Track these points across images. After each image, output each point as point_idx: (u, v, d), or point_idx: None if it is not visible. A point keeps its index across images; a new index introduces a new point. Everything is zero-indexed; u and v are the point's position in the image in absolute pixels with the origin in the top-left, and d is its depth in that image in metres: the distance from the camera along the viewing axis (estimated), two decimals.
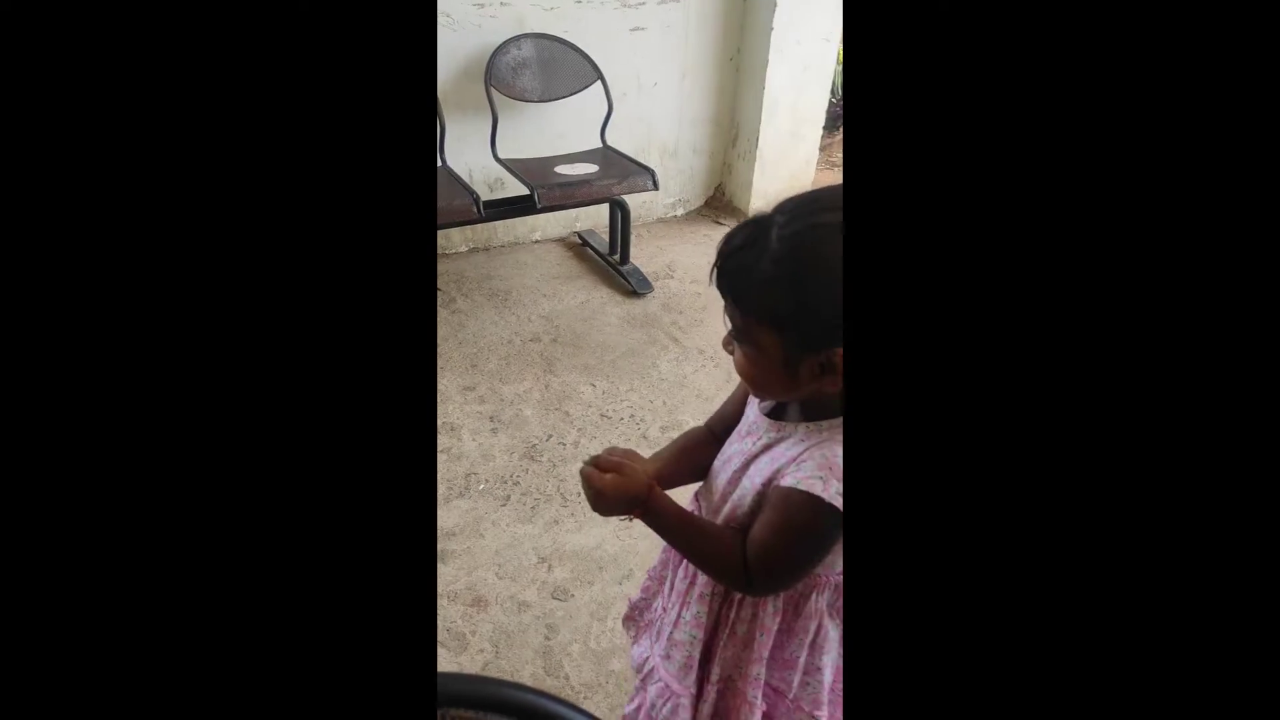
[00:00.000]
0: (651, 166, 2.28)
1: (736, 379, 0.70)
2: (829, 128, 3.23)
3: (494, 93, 2.29)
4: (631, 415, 1.86)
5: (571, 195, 2.21)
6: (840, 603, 0.71)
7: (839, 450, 0.61)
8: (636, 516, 0.69)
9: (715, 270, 0.62)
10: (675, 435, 0.85)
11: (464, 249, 2.64)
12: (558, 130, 2.52)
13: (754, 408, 0.72)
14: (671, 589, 0.79)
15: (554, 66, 2.40)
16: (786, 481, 0.62)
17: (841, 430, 0.62)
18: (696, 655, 0.73)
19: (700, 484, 0.79)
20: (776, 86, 2.70)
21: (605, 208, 2.58)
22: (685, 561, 0.75)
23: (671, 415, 1.86)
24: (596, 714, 0.50)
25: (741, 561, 0.65)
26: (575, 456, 1.70)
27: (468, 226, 2.52)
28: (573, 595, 1.38)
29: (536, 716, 0.49)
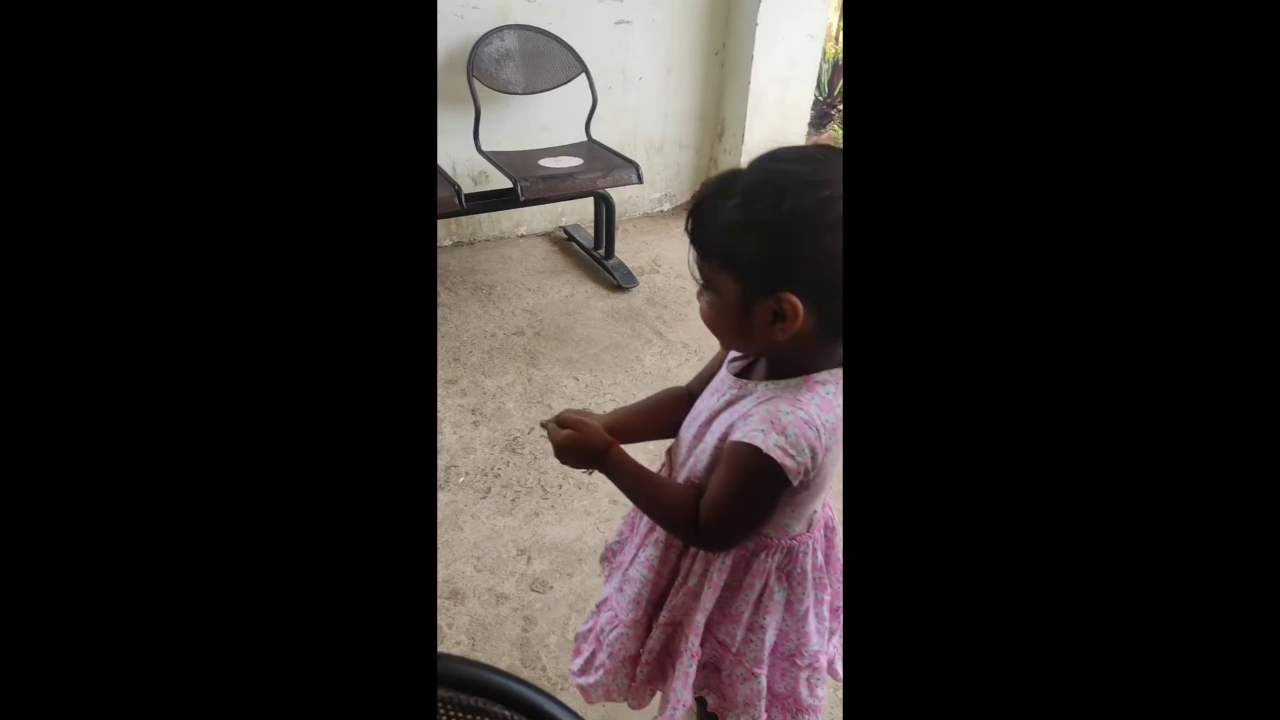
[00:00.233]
0: (636, 161, 2.27)
1: None
2: (815, 125, 3.23)
3: (476, 84, 2.27)
4: (614, 408, 1.85)
5: (555, 188, 2.20)
6: (790, 567, 0.73)
7: (786, 407, 0.62)
8: (596, 469, 0.74)
9: (688, 218, 0.64)
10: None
11: (448, 243, 2.62)
12: (542, 123, 2.50)
13: (725, 367, 0.74)
14: (635, 531, 0.84)
15: (538, 58, 2.38)
16: (735, 436, 0.64)
17: (795, 389, 0.64)
18: (646, 594, 0.77)
19: (673, 441, 0.81)
20: (762, 82, 2.70)
21: (590, 202, 2.56)
22: None
23: None
24: (572, 707, 0.49)
25: (692, 516, 0.68)
26: None
27: (451, 220, 2.50)
28: (551, 587, 1.36)
29: (512, 701, 0.48)
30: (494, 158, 2.27)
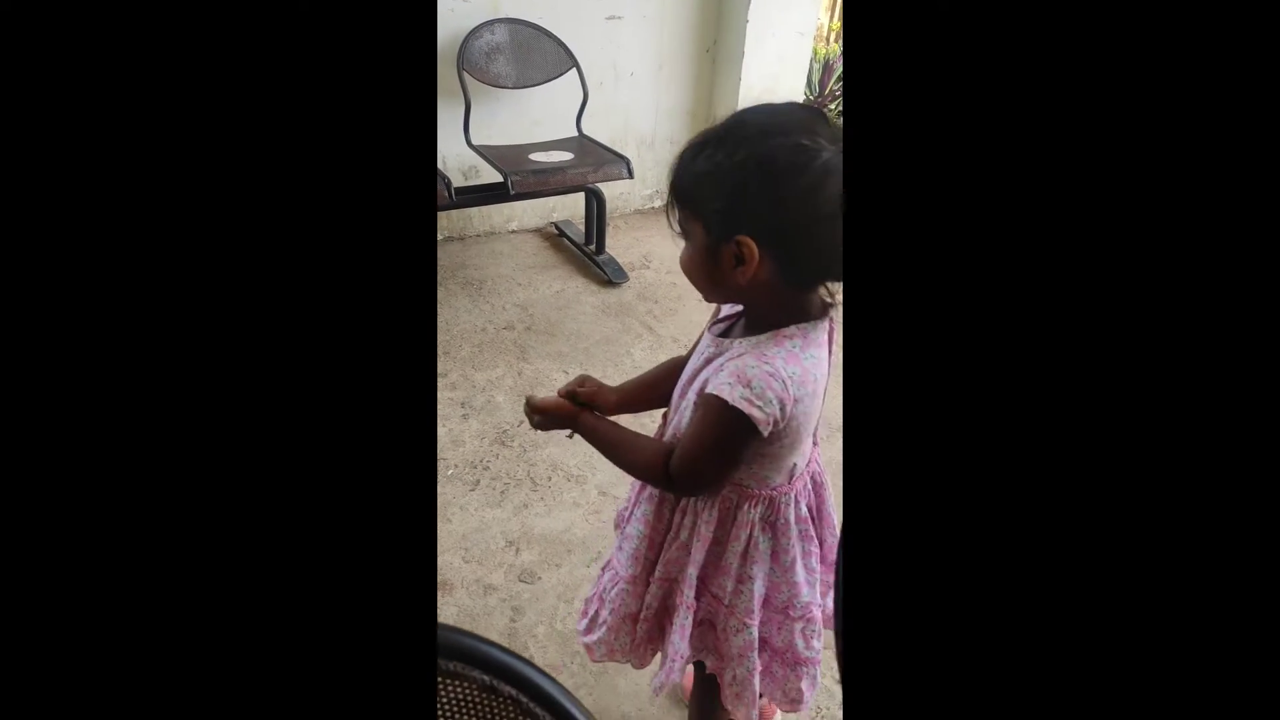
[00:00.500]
0: (627, 156, 2.27)
1: None
2: None
3: (467, 78, 2.26)
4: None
5: (546, 183, 2.19)
6: (773, 517, 0.76)
7: (753, 362, 0.66)
8: (573, 431, 0.80)
9: (671, 175, 0.68)
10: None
11: (439, 237, 2.62)
12: (533, 118, 2.50)
13: (708, 329, 0.77)
14: (635, 491, 0.88)
15: (528, 52, 2.38)
16: (706, 389, 0.68)
17: (764, 345, 0.68)
18: (643, 550, 0.81)
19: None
20: (753, 79, 2.71)
21: (581, 199, 2.56)
22: None
23: None
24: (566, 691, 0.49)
25: (660, 464, 0.72)
26: (547, 442, 1.69)
27: (441, 215, 2.49)
28: (540, 578, 1.36)
29: (490, 666, 0.47)
30: (484, 152, 2.27)
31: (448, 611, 1.29)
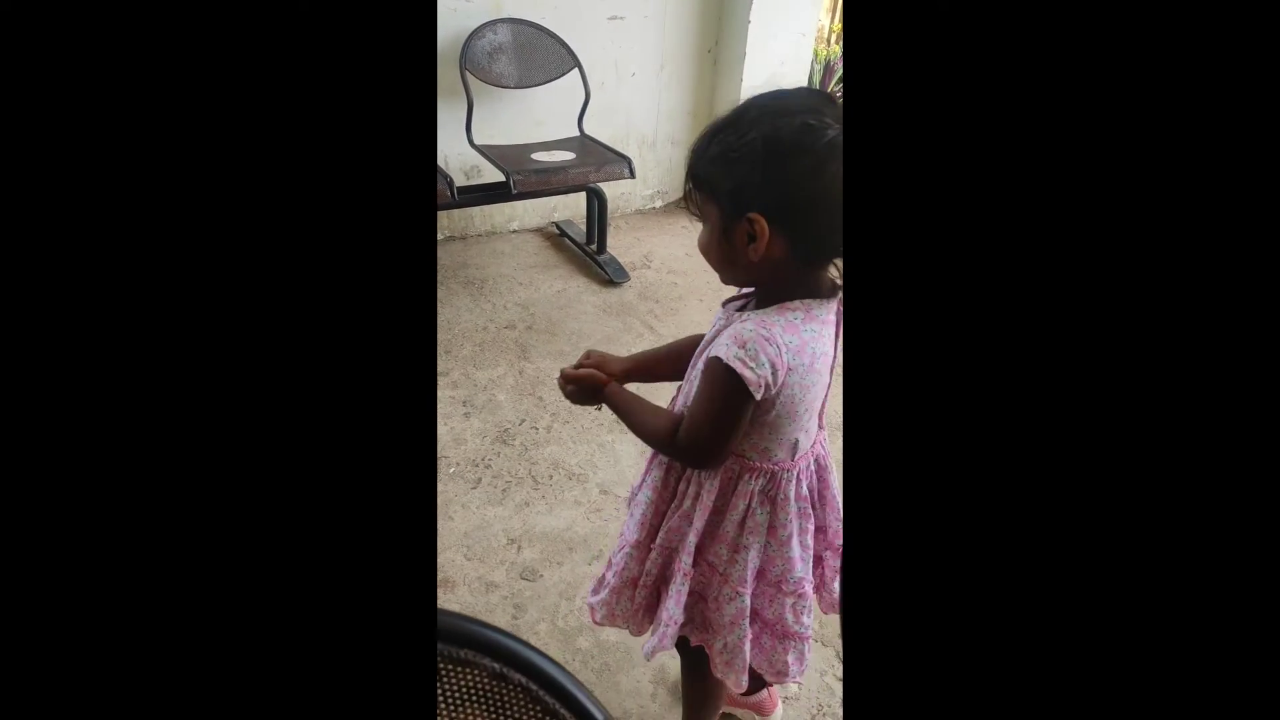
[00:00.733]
0: (629, 156, 2.27)
1: None
2: None
3: (469, 77, 2.27)
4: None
5: (548, 182, 2.20)
6: (772, 491, 0.78)
7: (751, 325, 0.68)
8: (601, 402, 0.85)
9: (687, 161, 0.72)
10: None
11: (439, 237, 2.62)
12: (535, 118, 2.50)
13: (722, 306, 0.80)
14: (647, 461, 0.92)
15: (531, 52, 2.39)
16: (709, 354, 0.71)
17: (766, 314, 0.70)
18: (650, 516, 0.84)
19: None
20: (754, 80, 2.71)
21: (583, 199, 2.57)
22: None
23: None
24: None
25: (669, 431, 0.77)
26: (548, 440, 1.69)
27: (443, 214, 2.49)
28: (541, 576, 1.36)
29: (500, 654, 0.48)
30: (486, 151, 2.27)
31: (450, 609, 1.29)
